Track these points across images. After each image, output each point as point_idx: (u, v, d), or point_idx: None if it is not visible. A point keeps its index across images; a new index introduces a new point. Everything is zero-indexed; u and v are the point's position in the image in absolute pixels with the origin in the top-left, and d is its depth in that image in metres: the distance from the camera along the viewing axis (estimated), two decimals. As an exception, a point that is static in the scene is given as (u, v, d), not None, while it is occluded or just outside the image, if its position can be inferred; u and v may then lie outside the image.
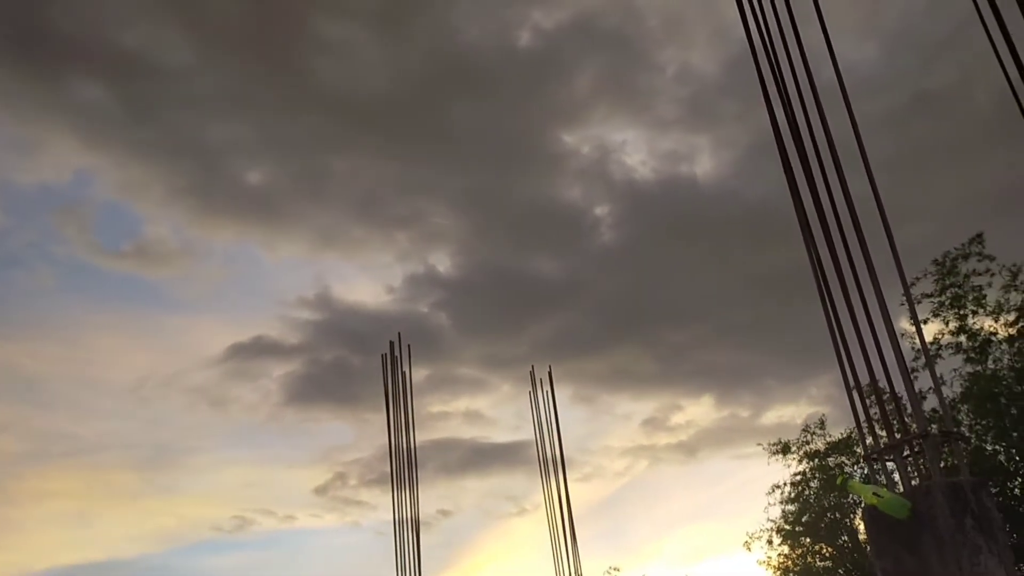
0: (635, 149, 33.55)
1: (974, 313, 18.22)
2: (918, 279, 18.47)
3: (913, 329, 18.27)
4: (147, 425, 30.80)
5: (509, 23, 28.49)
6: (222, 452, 31.69)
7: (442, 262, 32.42)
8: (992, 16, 6.78)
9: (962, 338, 18.19)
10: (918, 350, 15.11)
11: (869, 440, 4.90)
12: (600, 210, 31.31)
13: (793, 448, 21.31)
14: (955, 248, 18.14)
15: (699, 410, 32.13)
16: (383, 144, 28.82)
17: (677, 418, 31.75)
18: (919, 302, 18.58)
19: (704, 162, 31.39)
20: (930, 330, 18.82)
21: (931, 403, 16.31)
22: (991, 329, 18.10)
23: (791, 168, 5.28)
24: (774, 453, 21.53)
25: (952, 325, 18.56)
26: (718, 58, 28.29)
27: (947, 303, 18.46)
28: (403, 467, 10.16)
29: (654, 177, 30.95)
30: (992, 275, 17.88)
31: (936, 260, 18.44)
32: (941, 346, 18.62)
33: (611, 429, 33.28)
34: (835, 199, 5.14)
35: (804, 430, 21.40)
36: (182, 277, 31.90)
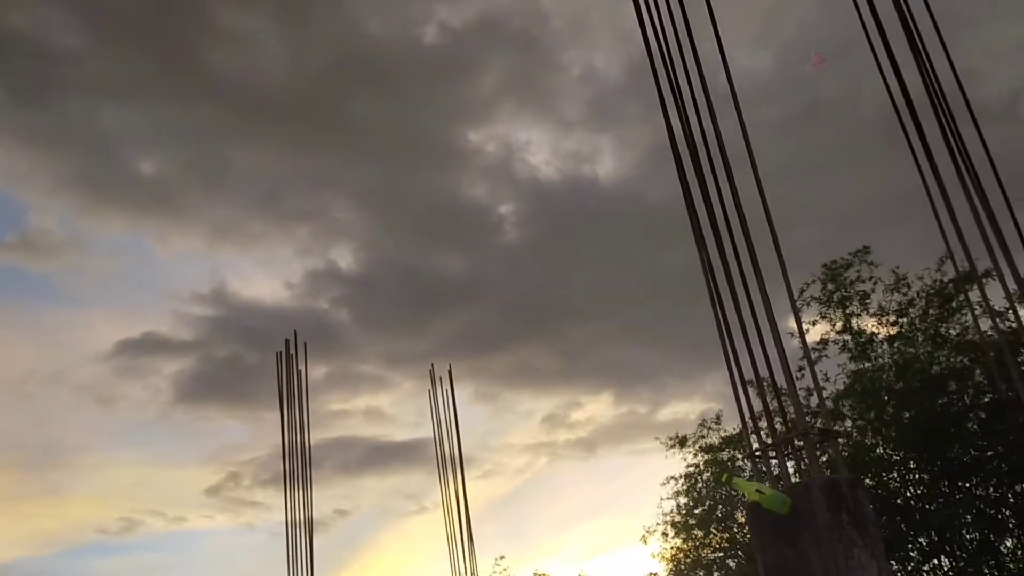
0: (539, 148, 33.85)
1: (858, 316, 19.17)
2: (808, 284, 19.34)
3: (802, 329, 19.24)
4: (31, 423, 29.31)
5: (414, 19, 28.36)
6: (109, 452, 30.43)
7: (344, 258, 31.95)
8: (877, 32, 7.13)
9: (847, 337, 19.09)
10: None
11: (754, 436, 5.06)
12: (504, 208, 31.52)
13: (690, 442, 21.91)
14: (842, 258, 19.05)
15: (598, 407, 32.70)
16: (284, 136, 28.20)
17: (577, 415, 32.23)
18: (808, 303, 19.46)
19: (606, 163, 32.01)
20: (820, 330, 19.72)
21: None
22: (874, 329, 19.08)
23: (684, 171, 5.41)
24: (671, 447, 22.09)
25: (838, 325, 19.51)
26: (621, 61, 28.85)
27: (835, 304, 19.36)
28: (297, 466, 9.94)
29: (558, 176, 31.32)
30: (875, 282, 18.85)
31: (825, 265, 19.31)
32: (828, 343, 19.53)
33: (512, 426, 33.54)
34: (726, 203, 5.29)
35: (701, 425, 22.05)
36: (69, 269, 30.47)
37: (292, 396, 10.11)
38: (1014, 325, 13.58)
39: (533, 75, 30.60)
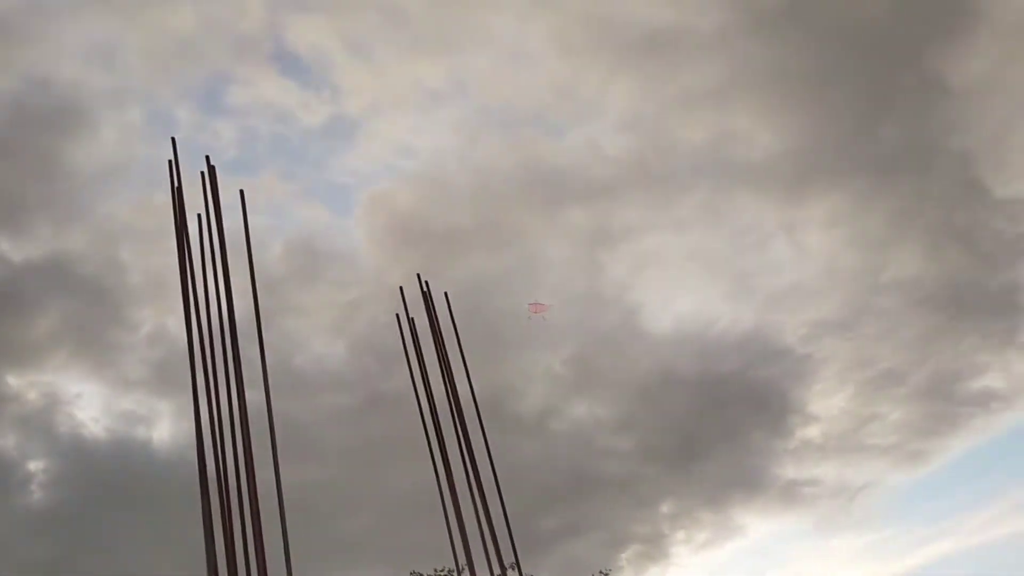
0: (90, 404, 30.28)
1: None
2: None
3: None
4: None
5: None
6: None
7: None
8: (415, 353, 8.25)
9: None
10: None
11: None
12: (35, 465, 27.85)
13: None
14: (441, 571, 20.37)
15: None
16: None
17: None
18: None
19: (163, 428, 30.23)
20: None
21: None
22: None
23: (204, 457, 5.58)
24: None
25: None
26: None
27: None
28: None
29: (106, 436, 28.73)
30: None
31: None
32: None
33: None
34: (242, 487, 5.49)
35: None
36: None
37: None
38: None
39: (96, 327, 28.97)
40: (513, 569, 8.10)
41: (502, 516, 7.56)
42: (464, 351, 8.35)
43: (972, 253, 34.76)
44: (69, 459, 27.83)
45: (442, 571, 20.59)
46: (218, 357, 5.91)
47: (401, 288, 8.26)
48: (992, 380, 34.66)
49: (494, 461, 7.90)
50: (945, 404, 35.07)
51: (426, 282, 8.23)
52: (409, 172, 37.40)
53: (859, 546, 36.61)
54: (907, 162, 34.06)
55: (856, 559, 36.50)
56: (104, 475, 27.34)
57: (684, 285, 38.36)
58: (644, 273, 37.41)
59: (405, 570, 21.19)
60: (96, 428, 28.93)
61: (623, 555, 29.83)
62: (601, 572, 21.72)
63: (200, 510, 5.40)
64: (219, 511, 5.36)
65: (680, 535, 33.29)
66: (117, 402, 29.88)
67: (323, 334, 31.82)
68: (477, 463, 7.57)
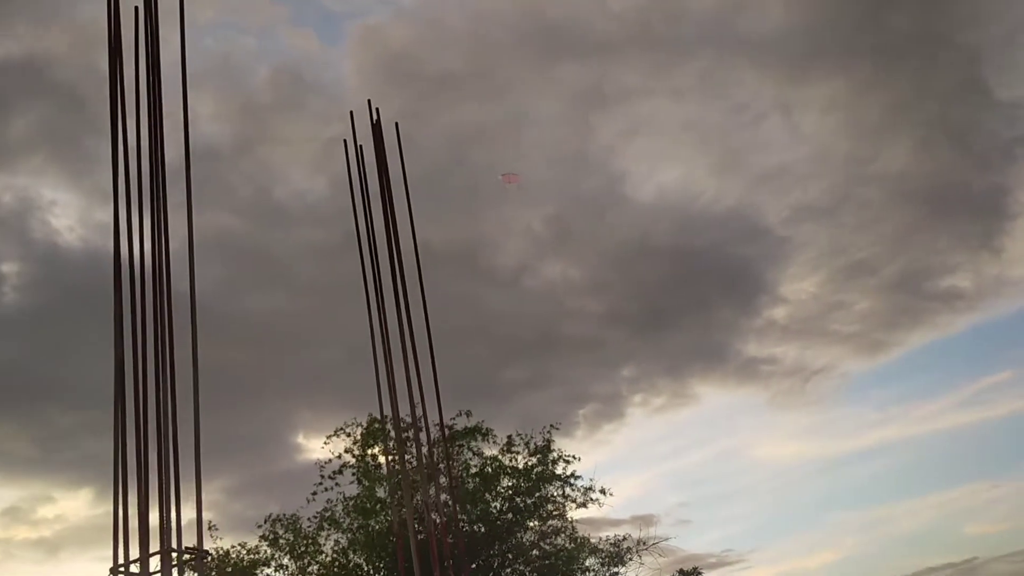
0: (64, 213, 29.86)
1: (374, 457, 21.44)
2: (349, 424, 22.09)
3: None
4: None
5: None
6: None
7: None
8: (359, 183, 8.02)
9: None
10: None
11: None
12: (8, 267, 27.89)
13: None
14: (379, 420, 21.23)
15: (74, 504, 28.82)
16: None
17: (45, 511, 28.20)
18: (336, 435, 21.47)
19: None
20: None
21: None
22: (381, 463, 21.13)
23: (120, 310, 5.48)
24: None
25: (356, 454, 21.28)
26: (176, 143, 28.22)
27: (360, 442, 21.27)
28: None
29: (81, 247, 28.52)
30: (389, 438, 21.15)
31: (371, 414, 21.73)
32: (344, 469, 21.77)
33: (-42, 519, 28.35)
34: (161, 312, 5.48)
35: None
36: None
37: None
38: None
39: (75, 134, 28.10)
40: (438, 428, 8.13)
41: (431, 373, 7.48)
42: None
43: (963, 153, 34.40)
44: (42, 265, 27.91)
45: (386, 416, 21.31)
46: (146, 182, 5.74)
47: (352, 113, 7.91)
48: (960, 280, 35.18)
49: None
50: (911, 299, 35.68)
51: (376, 109, 7.90)
52: (405, 8, 35.91)
53: (807, 425, 38.10)
54: (912, 53, 33.10)
55: (802, 436, 38.07)
56: (76, 284, 27.39)
57: (672, 155, 37.88)
58: (634, 139, 36.80)
59: (359, 410, 21.94)
60: (71, 237, 28.86)
61: (581, 411, 30.91)
62: (552, 425, 22.18)
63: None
64: (131, 334, 5.37)
65: (637, 398, 34.43)
66: (92, 214, 29.67)
67: (304, 167, 31.38)
68: (412, 315, 7.54)
